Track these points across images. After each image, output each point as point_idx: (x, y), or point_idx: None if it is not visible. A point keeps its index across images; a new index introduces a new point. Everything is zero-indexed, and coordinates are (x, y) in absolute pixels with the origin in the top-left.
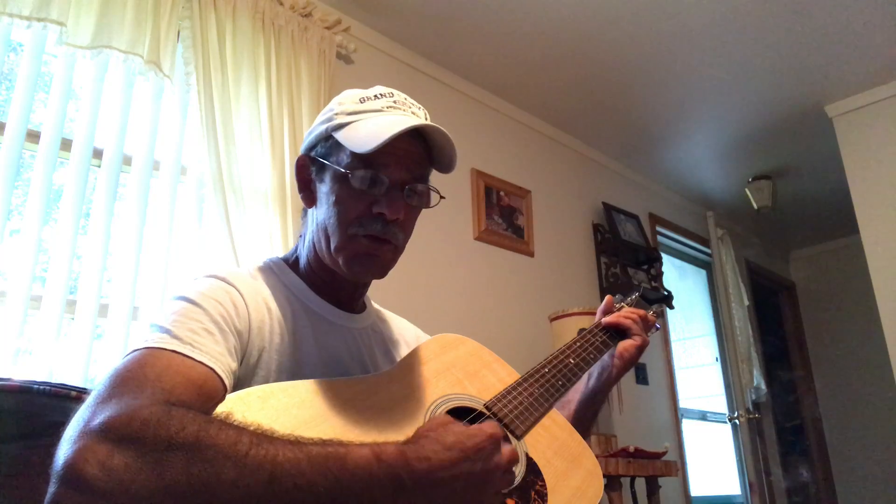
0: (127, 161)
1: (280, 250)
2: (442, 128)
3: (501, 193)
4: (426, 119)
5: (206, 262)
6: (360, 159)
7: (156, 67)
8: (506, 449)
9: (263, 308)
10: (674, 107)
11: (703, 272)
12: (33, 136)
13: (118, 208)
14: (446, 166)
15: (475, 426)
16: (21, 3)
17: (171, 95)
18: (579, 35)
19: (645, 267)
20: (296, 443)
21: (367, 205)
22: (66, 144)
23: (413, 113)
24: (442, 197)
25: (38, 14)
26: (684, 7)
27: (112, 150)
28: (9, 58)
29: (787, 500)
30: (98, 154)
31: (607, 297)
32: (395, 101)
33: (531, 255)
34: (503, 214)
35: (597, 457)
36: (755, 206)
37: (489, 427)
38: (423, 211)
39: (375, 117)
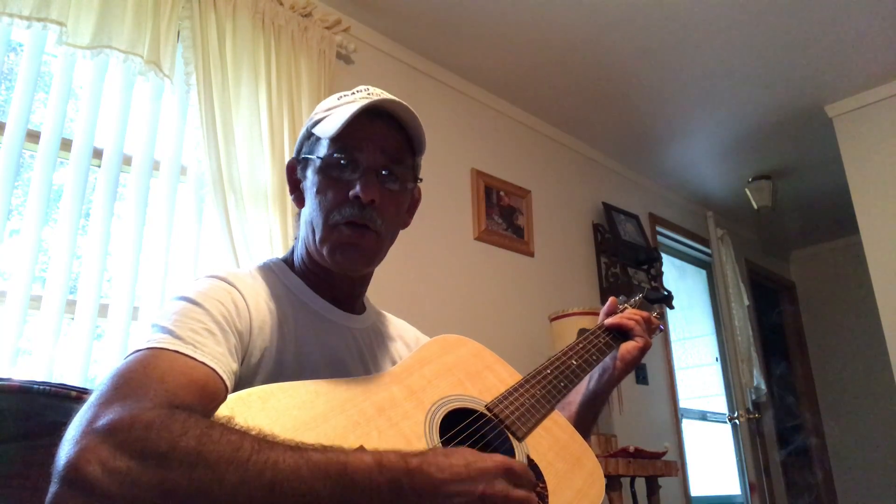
0: (127, 161)
1: (280, 251)
2: (403, 101)
3: (501, 193)
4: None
5: (205, 262)
6: (336, 147)
7: (156, 67)
8: (520, 491)
9: (265, 308)
10: (674, 107)
11: (703, 272)
12: (33, 136)
13: (118, 208)
14: (419, 145)
15: (493, 454)
16: (21, 3)
17: (171, 95)
18: (580, 35)
19: (645, 267)
20: (297, 448)
21: (345, 191)
22: (65, 144)
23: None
24: (420, 179)
25: (38, 14)
26: (684, 8)
27: (112, 150)
28: (9, 58)
29: (787, 500)
30: (98, 154)
31: (611, 299)
32: (369, 93)
33: (531, 255)
34: (503, 214)
35: (597, 457)
36: (755, 206)
37: (503, 458)
38: (423, 211)
39: (348, 106)
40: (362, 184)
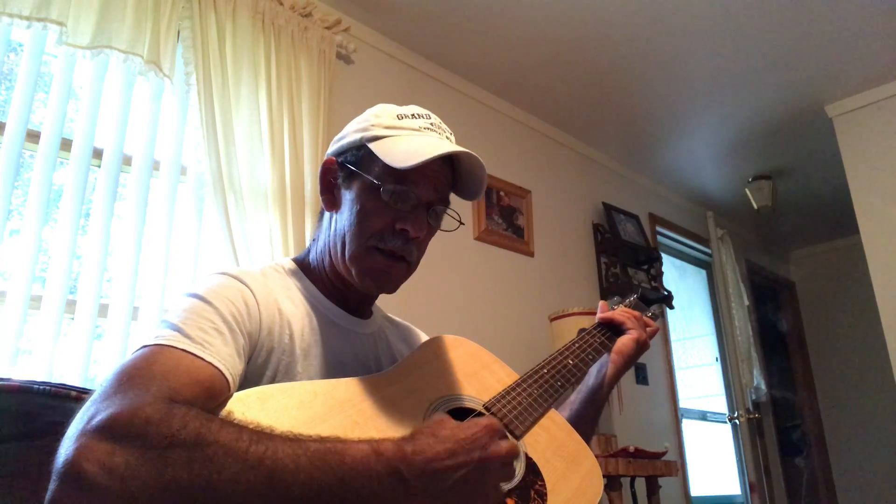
0: (127, 161)
1: (280, 251)
2: (479, 157)
3: (501, 193)
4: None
5: (205, 262)
6: (393, 174)
7: (156, 67)
8: (505, 442)
9: (274, 308)
10: (674, 107)
11: (703, 272)
12: (33, 136)
13: (118, 208)
14: (472, 193)
15: (471, 419)
16: (21, 3)
17: (171, 95)
18: (580, 35)
19: (645, 267)
20: (295, 439)
21: (391, 220)
22: (66, 144)
23: (447, 137)
24: (461, 223)
25: (38, 14)
26: (685, 7)
27: (112, 150)
28: (9, 58)
29: (787, 500)
30: (98, 154)
31: (601, 303)
32: (431, 124)
33: (531, 255)
34: (503, 214)
35: (597, 457)
36: (755, 206)
37: (485, 420)
38: None
39: (414, 136)
40: (413, 219)
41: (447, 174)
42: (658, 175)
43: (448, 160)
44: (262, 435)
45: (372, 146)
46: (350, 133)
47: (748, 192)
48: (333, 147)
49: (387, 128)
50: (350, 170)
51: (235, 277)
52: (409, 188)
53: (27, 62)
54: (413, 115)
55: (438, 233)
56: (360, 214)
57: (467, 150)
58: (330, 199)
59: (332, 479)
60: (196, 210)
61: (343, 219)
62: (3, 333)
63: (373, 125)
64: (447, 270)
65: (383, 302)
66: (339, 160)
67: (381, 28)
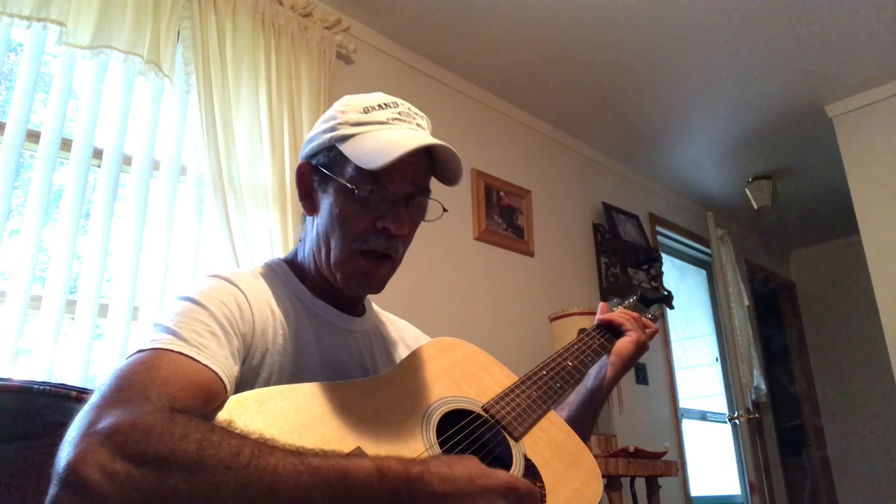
0: (127, 161)
1: (280, 251)
2: (449, 146)
3: (501, 193)
4: (428, 128)
5: (205, 262)
6: (366, 174)
7: (156, 67)
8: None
9: (267, 309)
10: (674, 107)
11: (703, 272)
12: (33, 136)
13: (118, 208)
14: (451, 180)
15: (497, 471)
16: (21, 3)
17: (170, 95)
18: (580, 35)
19: (645, 267)
20: (297, 454)
21: (372, 219)
22: (66, 144)
23: (417, 125)
24: (445, 210)
25: (38, 14)
26: (684, 8)
27: (112, 150)
28: (9, 58)
29: (787, 500)
30: (98, 154)
31: (601, 304)
32: (399, 113)
33: (531, 255)
34: (503, 214)
35: (597, 457)
36: (755, 206)
37: (509, 476)
38: None
39: (381, 131)
40: (393, 216)
41: (423, 163)
42: (658, 175)
43: (426, 151)
44: (263, 448)
45: (341, 147)
46: (318, 134)
47: (748, 192)
48: (305, 149)
49: (354, 125)
50: (323, 173)
51: (227, 280)
52: (385, 185)
53: (27, 62)
54: (380, 105)
55: (438, 232)
56: (339, 219)
57: (436, 141)
58: (309, 203)
59: (333, 498)
60: (196, 210)
61: (323, 223)
62: (3, 333)
63: (340, 123)
64: (447, 270)
65: (382, 301)
66: (313, 163)
67: (381, 28)
